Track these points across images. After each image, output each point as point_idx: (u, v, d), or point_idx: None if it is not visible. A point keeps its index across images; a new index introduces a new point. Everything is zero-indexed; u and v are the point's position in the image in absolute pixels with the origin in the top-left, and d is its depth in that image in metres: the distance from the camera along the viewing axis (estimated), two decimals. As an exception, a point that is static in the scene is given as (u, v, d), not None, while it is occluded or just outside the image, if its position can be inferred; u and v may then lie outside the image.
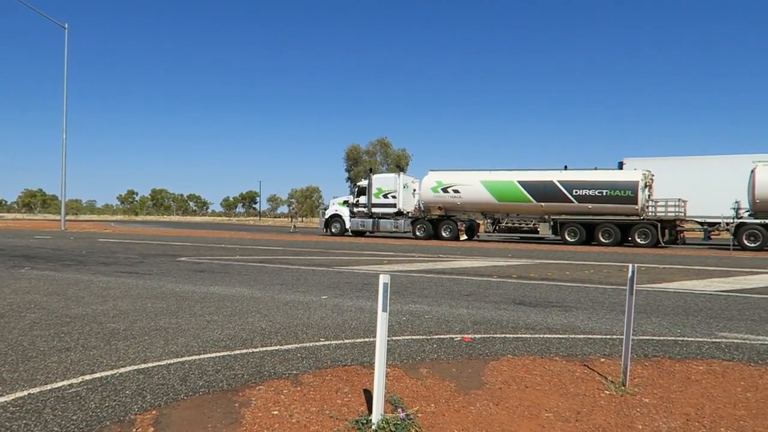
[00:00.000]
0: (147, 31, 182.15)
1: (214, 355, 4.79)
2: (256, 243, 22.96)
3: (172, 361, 4.56)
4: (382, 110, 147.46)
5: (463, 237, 28.94)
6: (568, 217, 25.59)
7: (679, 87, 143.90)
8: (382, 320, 3.30)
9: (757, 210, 22.54)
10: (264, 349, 5.04)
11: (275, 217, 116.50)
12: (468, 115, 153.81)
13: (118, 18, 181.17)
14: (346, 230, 32.05)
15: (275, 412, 3.47)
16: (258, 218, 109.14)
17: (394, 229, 30.16)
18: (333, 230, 32.46)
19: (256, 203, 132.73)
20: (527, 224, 27.62)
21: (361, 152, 78.62)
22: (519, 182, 26.46)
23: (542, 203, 25.99)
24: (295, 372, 4.32)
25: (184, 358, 4.65)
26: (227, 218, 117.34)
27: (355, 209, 31.41)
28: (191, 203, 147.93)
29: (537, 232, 27.40)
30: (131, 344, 5.12)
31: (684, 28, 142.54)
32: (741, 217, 23.31)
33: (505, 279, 10.73)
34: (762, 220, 22.30)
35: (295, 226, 38.68)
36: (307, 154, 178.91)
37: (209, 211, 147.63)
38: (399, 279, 10.50)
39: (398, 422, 3.27)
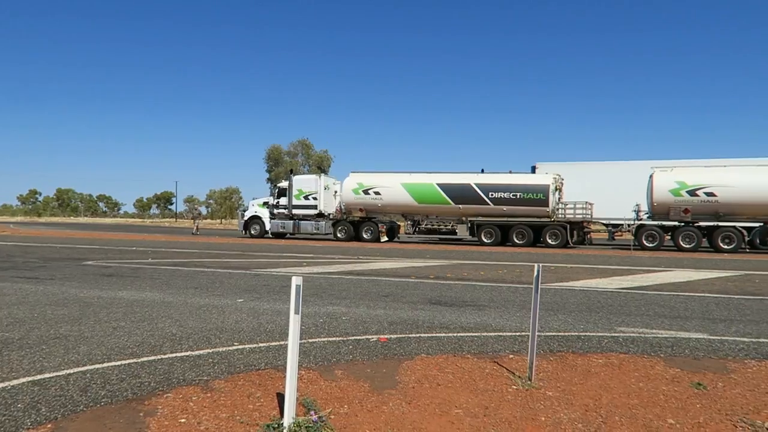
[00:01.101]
0: (53, 27, 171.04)
1: (119, 363, 4.57)
2: (171, 245, 22.12)
3: (71, 371, 4.30)
4: (304, 111, 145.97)
5: (384, 238, 29.19)
6: (485, 218, 26.41)
7: (587, 92, 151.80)
8: (294, 322, 3.28)
9: (655, 212, 24.20)
10: (174, 355, 4.86)
11: (192, 219, 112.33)
12: (390, 117, 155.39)
13: (22, 14, 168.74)
14: (266, 232, 31.52)
15: (183, 420, 3.36)
16: (174, 220, 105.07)
17: (315, 231, 29.97)
18: (252, 232, 31.83)
19: (172, 204, 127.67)
20: (446, 226, 28.21)
21: (282, 153, 77.50)
22: (438, 185, 27.02)
23: (460, 205, 26.68)
24: (205, 378, 4.19)
25: (85, 368, 4.41)
26: (141, 220, 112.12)
27: (276, 211, 30.93)
28: (101, 204, 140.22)
29: (455, 234, 28.06)
30: (26, 354, 4.79)
31: (590, 35, 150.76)
32: (641, 219, 24.94)
33: (423, 280, 10.93)
34: (659, 222, 23.96)
35: (197, 228, 37.09)
36: (227, 154, 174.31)
37: (121, 212, 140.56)
38: (318, 281, 10.45)
39: (310, 425, 3.26)
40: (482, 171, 27.94)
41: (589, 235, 27.85)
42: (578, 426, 3.60)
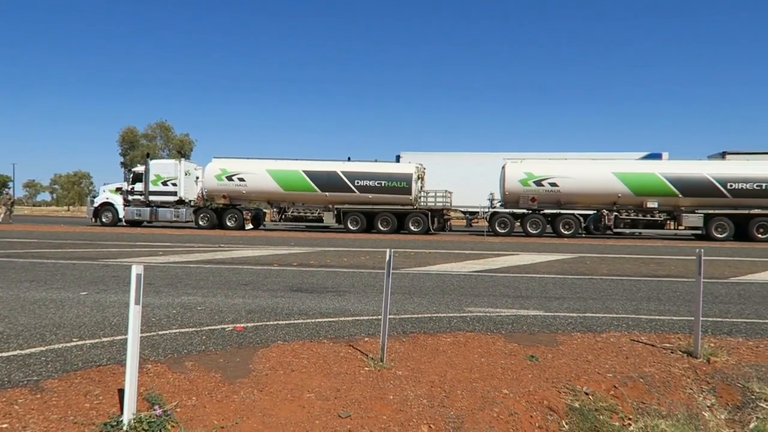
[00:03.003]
0: None
1: (-72, 367, 4.04)
2: (4, 235, 19.83)
3: None
4: (163, 93, 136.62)
5: (249, 226, 28.50)
6: (351, 206, 26.76)
7: (450, 83, 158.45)
8: (134, 313, 3.12)
9: (506, 201, 26.02)
10: (-1, 355, 4.39)
11: (34, 206, 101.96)
12: (255, 103, 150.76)
13: None
14: (120, 220, 29.39)
15: (4, 425, 3.06)
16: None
17: (174, 219, 28.47)
18: (104, 220, 29.50)
19: (8, 189, 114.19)
20: (312, 213, 28.14)
21: (138, 136, 72.53)
22: (304, 172, 26.88)
23: (326, 193, 26.77)
24: (36, 378, 3.84)
25: None
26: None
27: (130, 197, 28.92)
28: None
29: (322, 221, 28.08)
30: None
31: (448, 22, 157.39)
32: (494, 207, 26.71)
33: (286, 267, 10.85)
34: (510, 210, 25.82)
35: (9, 215, 32.88)
36: (75, 136, 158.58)
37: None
38: (174, 270, 9.97)
39: (153, 420, 3.13)
40: (349, 159, 28.24)
41: (449, 222, 29.30)
42: (423, 402, 3.81)
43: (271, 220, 30.06)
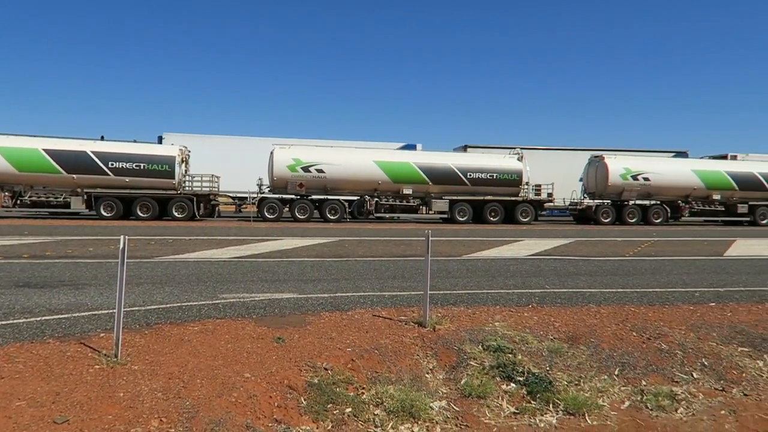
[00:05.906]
0: None
1: None
2: None
3: None
4: None
5: (-29, 213, 24.04)
6: (104, 190, 24.20)
7: (223, 68, 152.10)
8: None
9: (275, 186, 26.09)
10: None
11: None
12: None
13: None
14: None
15: None
16: None
17: None
18: None
19: None
20: (57, 198, 24.72)
21: None
22: (45, 150, 23.49)
23: (74, 175, 23.78)
24: None
25: None
26: None
27: None
28: None
29: (69, 207, 24.91)
30: None
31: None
32: (263, 193, 26.60)
33: (12, 260, 9.39)
34: (279, 195, 25.98)
35: None
36: None
37: None
38: None
39: None
40: (102, 138, 25.48)
41: (217, 208, 28.38)
42: (158, 395, 3.64)
43: (2, 206, 25.76)
